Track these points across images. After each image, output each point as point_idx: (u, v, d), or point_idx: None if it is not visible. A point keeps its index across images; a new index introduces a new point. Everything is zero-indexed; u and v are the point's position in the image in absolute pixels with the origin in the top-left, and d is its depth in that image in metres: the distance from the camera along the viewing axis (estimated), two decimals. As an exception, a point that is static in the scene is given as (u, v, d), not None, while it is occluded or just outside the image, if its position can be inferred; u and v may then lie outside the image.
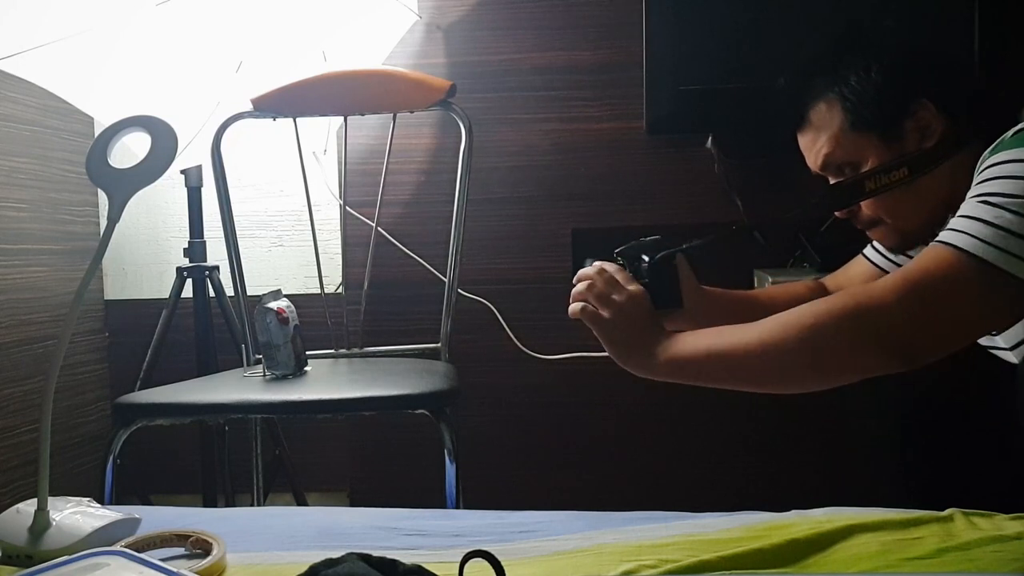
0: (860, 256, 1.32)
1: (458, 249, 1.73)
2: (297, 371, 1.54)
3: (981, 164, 0.96)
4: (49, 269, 2.04)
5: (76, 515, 0.94)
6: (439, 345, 1.74)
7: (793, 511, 1.00)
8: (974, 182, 0.94)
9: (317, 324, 1.80)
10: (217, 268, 1.91)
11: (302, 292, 2.15)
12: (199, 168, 1.90)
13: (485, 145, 2.01)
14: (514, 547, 0.93)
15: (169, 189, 2.19)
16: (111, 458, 1.35)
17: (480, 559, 0.68)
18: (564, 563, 0.89)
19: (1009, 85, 1.80)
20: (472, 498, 1.39)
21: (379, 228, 1.88)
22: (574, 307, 1.06)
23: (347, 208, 1.96)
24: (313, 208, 1.79)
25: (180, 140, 0.98)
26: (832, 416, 1.97)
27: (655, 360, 1.00)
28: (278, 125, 1.75)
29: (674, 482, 2.00)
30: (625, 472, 2.05)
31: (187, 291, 1.90)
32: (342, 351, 1.80)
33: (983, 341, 1.12)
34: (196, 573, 0.83)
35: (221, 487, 1.98)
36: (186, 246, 1.91)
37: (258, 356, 1.62)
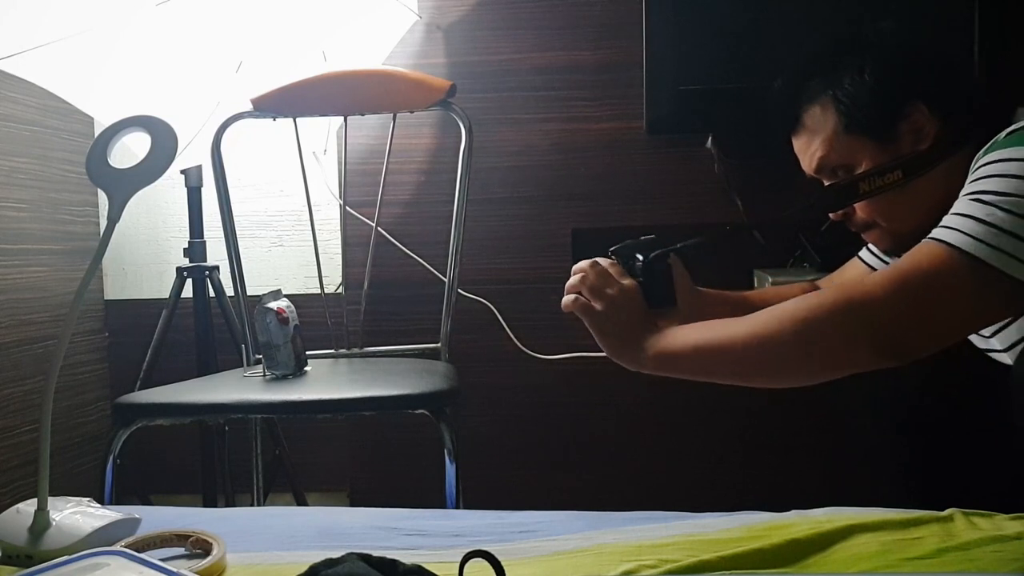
0: (855, 259, 1.32)
1: (458, 249, 1.73)
2: (297, 371, 1.54)
3: (975, 164, 0.96)
4: (49, 269, 2.04)
5: (76, 515, 0.94)
6: (439, 345, 1.74)
7: (793, 511, 1.00)
8: (967, 181, 0.94)
9: (317, 324, 1.80)
10: (217, 268, 1.91)
11: (302, 292, 2.15)
12: (199, 168, 1.90)
13: (485, 145, 2.01)
14: (514, 547, 0.93)
15: (169, 189, 2.19)
16: (111, 458, 1.35)
17: (480, 559, 0.68)
18: (564, 563, 0.89)
19: (1009, 86, 1.80)
20: (472, 498, 1.39)
21: (379, 228, 1.88)
22: (567, 299, 1.06)
23: (347, 208, 1.96)
24: (313, 208, 1.79)
25: (180, 140, 0.98)
26: (832, 416, 1.97)
27: (646, 353, 1.00)
28: (278, 125, 1.75)
29: (674, 482, 2.00)
30: (625, 472, 2.05)
31: (187, 291, 1.90)
32: (342, 351, 1.80)
33: (979, 343, 1.12)
34: (196, 573, 0.82)
35: (221, 487, 1.98)
36: (186, 246, 1.91)
37: (258, 356, 1.62)
